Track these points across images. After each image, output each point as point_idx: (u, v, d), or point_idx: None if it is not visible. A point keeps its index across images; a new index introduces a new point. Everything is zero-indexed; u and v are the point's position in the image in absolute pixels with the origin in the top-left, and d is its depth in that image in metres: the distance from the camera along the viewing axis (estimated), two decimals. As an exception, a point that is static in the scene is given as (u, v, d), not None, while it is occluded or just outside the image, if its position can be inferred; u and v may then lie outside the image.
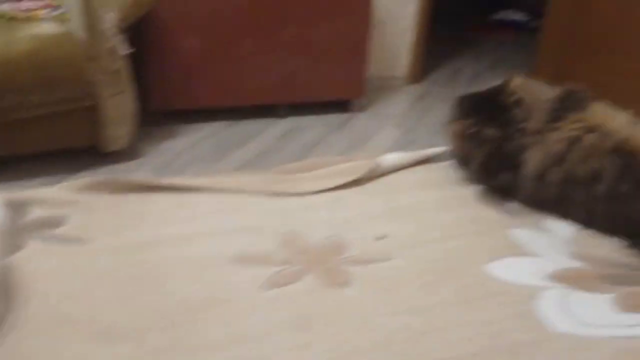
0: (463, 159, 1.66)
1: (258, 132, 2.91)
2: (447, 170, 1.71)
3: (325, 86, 3.07)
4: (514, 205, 1.58)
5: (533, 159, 1.55)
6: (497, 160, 1.63)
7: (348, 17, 2.96)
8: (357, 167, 1.60)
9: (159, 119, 2.83)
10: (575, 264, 1.32)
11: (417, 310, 1.15)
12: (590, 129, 1.56)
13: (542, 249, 1.37)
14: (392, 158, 1.69)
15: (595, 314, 1.16)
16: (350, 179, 1.56)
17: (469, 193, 1.57)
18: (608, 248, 1.42)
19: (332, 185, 1.54)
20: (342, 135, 2.98)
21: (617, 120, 1.57)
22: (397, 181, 1.61)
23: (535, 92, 1.75)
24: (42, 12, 1.98)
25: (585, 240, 1.45)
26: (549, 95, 1.75)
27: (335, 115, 3.18)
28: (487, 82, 3.91)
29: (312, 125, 3.05)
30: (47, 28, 1.86)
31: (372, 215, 1.45)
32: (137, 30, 2.45)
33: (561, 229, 1.50)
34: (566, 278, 1.26)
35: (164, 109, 2.83)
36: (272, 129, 2.96)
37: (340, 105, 3.22)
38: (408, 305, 1.16)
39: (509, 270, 1.28)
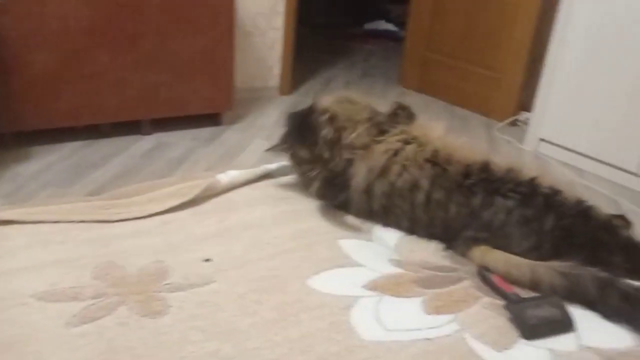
0: (301, 181, 1.69)
1: (120, 150, 2.80)
2: (286, 185, 1.71)
3: (190, 100, 3.01)
4: (349, 218, 1.62)
5: (359, 173, 1.60)
6: (332, 183, 1.66)
7: (210, 29, 2.92)
8: (192, 187, 1.56)
9: (8, 142, 2.66)
10: (394, 270, 1.36)
11: (231, 334, 1.14)
12: (409, 141, 1.63)
13: (366, 258, 1.40)
14: (232, 175, 1.67)
15: (402, 318, 1.20)
16: (183, 200, 1.52)
17: (305, 207, 1.59)
18: (427, 252, 1.48)
19: (162, 208, 1.50)
20: (211, 149, 2.93)
21: (434, 132, 1.65)
22: (233, 199, 1.59)
23: (351, 108, 1.80)
24: None
25: (407, 246, 1.50)
26: (368, 110, 1.81)
27: (205, 129, 3.13)
28: (359, 91, 4.04)
29: (179, 140, 2.98)
30: None
31: (201, 237, 1.42)
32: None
33: (387, 237, 1.54)
34: (382, 285, 1.30)
35: (14, 130, 2.66)
36: (136, 147, 2.86)
37: (211, 119, 3.17)
38: (222, 330, 1.14)
39: (330, 282, 1.30)
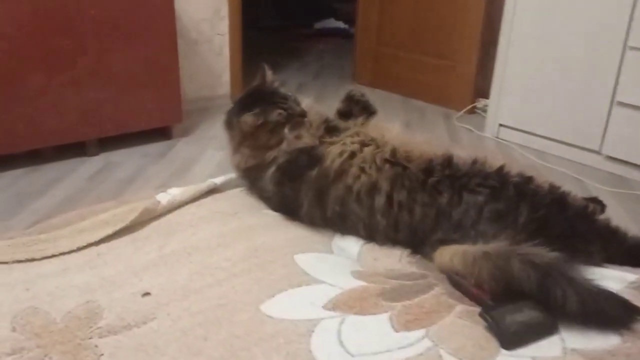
0: (256, 172, 1.50)
1: (65, 174, 2.59)
2: (236, 199, 1.54)
3: (137, 115, 2.81)
4: (301, 226, 1.45)
5: (313, 179, 1.44)
6: (291, 166, 1.50)
7: (151, 39, 2.73)
8: (128, 211, 1.38)
9: (-63, 176, 2.43)
10: (357, 283, 1.20)
11: (171, 382, 0.97)
12: (366, 143, 1.48)
13: (326, 273, 1.24)
14: (174, 193, 1.49)
15: (368, 340, 1.04)
16: (118, 227, 1.34)
17: (256, 221, 1.41)
18: (392, 259, 1.32)
19: (95, 239, 1.31)
20: (163, 165, 2.74)
21: (391, 132, 1.50)
22: (176, 220, 1.41)
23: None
24: None
25: (369, 255, 1.34)
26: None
27: (155, 145, 2.94)
28: (311, 92, 3.91)
29: (128, 158, 2.78)
30: None
31: (140, 268, 1.24)
32: None
33: (349, 247, 1.39)
34: (344, 303, 1.14)
35: (-56, 164, 2.43)
36: (82, 169, 2.65)
37: (161, 133, 2.98)
38: (161, 378, 0.97)
39: (286, 305, 1.13)
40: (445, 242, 1.31)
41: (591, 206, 1.35)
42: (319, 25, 5.25)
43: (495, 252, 1.13)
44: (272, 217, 1.44)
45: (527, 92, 2.91)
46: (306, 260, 1.28)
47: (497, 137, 3.08)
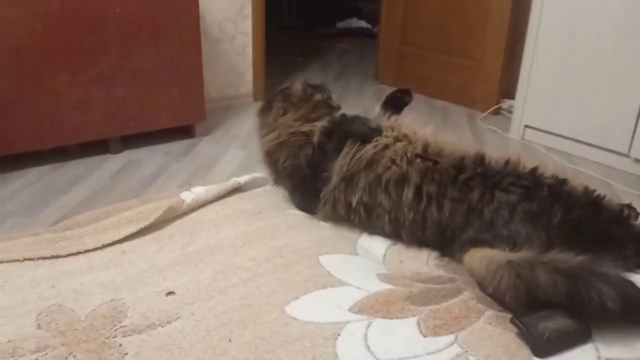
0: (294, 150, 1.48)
1: (89, 171, 2.61)
2: (260, 198, 1.52)
3: (160, 113, 2.82)
4: (326, 226, 1.42)
5: (341, 164, 1.42)
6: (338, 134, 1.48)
7: (175, 39, 2.73)
8: (152, 210, 1.37)
9: (-34, 171, 2.45)
10: (383, 286, 1.17)
11: (196, 384, 0.95)
12: (399, 139, 1.45)
13: (352, 275, 1.21)
14: (197, 192, 1.47)
15: (396, 344, 1.01)
16: (143, 225, 1.32)
17: (280, 221, 1.39)
18: (418, 262, 1.28)
19: (119, 237, 1.30)
20: (185, 164, 2.75)
21: (423, 130, 1.47)
22: (200, 219, 1.39)
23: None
24: None
25: (395, 257, 1.31)
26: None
27: (178, 143, 2.95)
28: (333, 92, 3.87)
29: (151, 156, 2.79)
30: None
31: (164, 267, 1.22)
32: None
33: (374, 248, 1.35)
34: (370, 306, 1.10)
35: (-29, 159, 2.46)
36: (106, 167, 2.67)
37: (183, 132, 2.98)
38: (185, 380, 0.95)
39: (312, 307, 1.10)
40: (476, 242, 1.27)
41: (626, 211, 1.30)
42: (341, 24, 5.22)
43: (519, 261, 1.09)
44: (296, 217, 1.42)
45: (554, 93, 2.85)
46: (331, 262, 1.25)
47: (522, 139, 3.03)
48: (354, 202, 1.37)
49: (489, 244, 1.26)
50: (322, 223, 1.42)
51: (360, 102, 3.63)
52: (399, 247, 1.34)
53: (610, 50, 2.62)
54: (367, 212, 1.36)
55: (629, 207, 1.34)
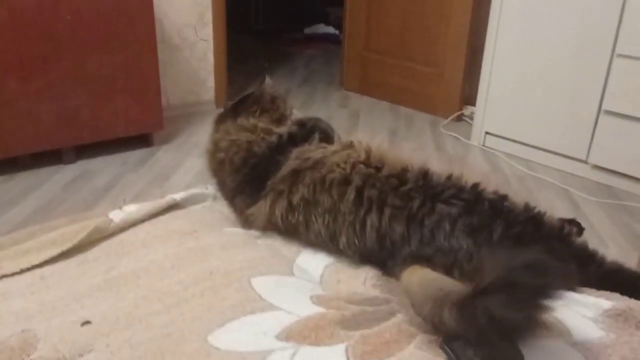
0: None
1: (39, 183, 2.50)
2: (197, 216, 1.44)
3: (116, 122, 2.72)
4: (263, 246, 1.34)
5: (295, 155, 1.36)
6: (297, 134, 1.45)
7: (130, 43, 2.63)
8: (78, 230, 1.28)
9: None
10: (315, 310, 1.10)
11: None
12: (346, 147, 1.39)
13: (284, 299, 1.13)
14: (129, 211, 1.38)
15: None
16: (65, 248, 1.24)
17: (214, 241, 1.31)
18: (356, 281, 1.21)
19: (39, 260, 1.21)
20: (141, 173, 2.65)
21: (369, 141, 1.42)
22: (128, 240, 1.30)
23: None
24: None
25: (333, 277, 1.23)
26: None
27: (135, 152, 2.85)
28: (298, 98, 3.81)
29: (106, 166, 2.69)
30: None
31: (84, 293, 1.13)
32: None
33: (311, 268, 1.28)
34: (298, 333, 1.03)
35: None
36: (57, 177, 2.56)
37: (141, 140, 2.89)
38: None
39: (237, 335, 1.03)
40: (417, 258, 1.20)
41: (567, 227, 1.25)
42: (309, 30, 5.15)
43: (454, 297, 1.00)
44: (232, 237, 1.34)
45: (514, 99, 2.82)
46: (264, 284, 1.17)
47: (483, 145, 2.99)
48: (296, 198, 1.30)
49: (431, 259, 1.19)
50: (259, 242, 1.34)
51: (325, 108, 3.57)
52: (338, 266, 1.26)
53: (567, 57, 2.59)
54: (307, 212, 1.29)
55: (573, 222, 1.29)
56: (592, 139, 2.60)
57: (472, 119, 3.11)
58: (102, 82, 2.61)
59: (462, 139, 3.10)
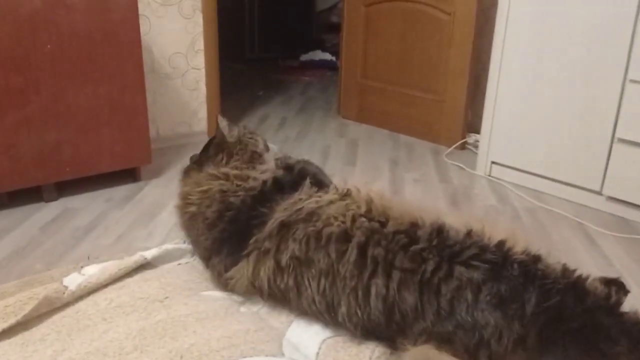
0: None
1: (17, 223, 2.25)
2: (170, 277, 1.18)
3: (99, 157, 2.48)
4: (246, 316, 1.09)
5: (283, 207, 1.11)
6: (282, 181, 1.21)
7: (116, 77, 2.41)
8: (25, 300, 1.03)
9: None
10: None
11: None
12: (343, 197, 1.14)
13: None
14: (89, 274, 1.13)
15: None
16: (8, 324, 0.99)
17: (189, 311, 1.06)
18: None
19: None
20: (127, 211, 2.40)
21: (368, 188, 1.17)
22: (86, 312, 1.06)
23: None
24: None
25: (332, 354, 0.98)
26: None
27: (121, 188, 2.60)
28: (295, 127, 3.59)
29: (89, 204, 2.45)
30: None
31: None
32: None
33: (304, 344, 1.02)
34: None
35: None
36: (37, 217, 2.31)
37: (128, 175, 2.65)
38: None
39: None
40: (433, 336, 0.95)
41: (614, 295, 1.00)
42: (305, 57, 4.95)
43: None
44: (210, 304, 1.08)
45: (521, 127, 2.58)
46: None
47: (489, 176, 2.75)
48: (286, 257, 1.04)
49: (450, 337, 0.94)
50: (243, 309, 1.09)
51: (323, 137, 3.34)
52: (336, 342, 1.01)
53: (577, 83, 2.37)
54: (298, 275, 1.04)
55: (617, 284, 1.04)
56: (606, 169, 2.36)
57: (476, 147, 2.88)
58: (85, 114, 2.38)
59: (466, 168, 2.86)
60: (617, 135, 2.31)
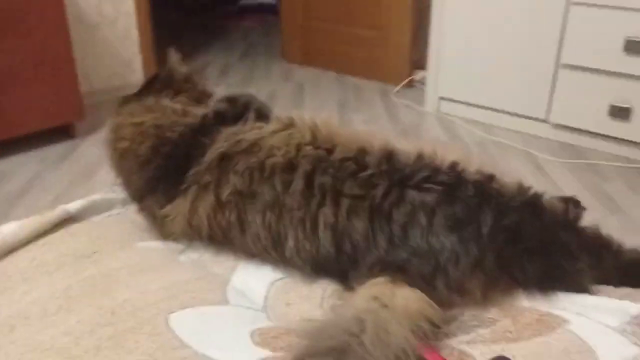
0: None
1: (-60, 191, 2.06)
2: (99, 230, 1.06)
3: (28, 115, 2.28)
4: (186, 264, 0.99)
5: (224, 137, 1.00)
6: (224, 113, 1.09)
7: (37, 29, 2.20)
8: None
9: None
10: (259, 356, 0.77)
11: None
12: (286, 127, 1.04)
13: (215, 341, 0.80)
14: (6, 232, 1.00)
15: None
16: None
17: (121, 264, 0.95)
18: (311, 302, 0.89)
19: None
20: (63, 171, 2.24)
21: (313, 117, 1.06)
22: (5, 273, 0.93)
23: None
24: None
25: (282, 297, 0.90)
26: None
27: (55, 147, 2.42)
28: (238, 73, 3.42)
29: (21, 166, 2.26)
30: None
31: None
32: None
33: (251, 288, 0.94)
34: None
35: None
36: (-37, 183, 2.12)
37: (61, 132, 2.46)
38: None
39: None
40: (387, 266, 0.88)
41: (572, 210, 0.95)
42: (244, 2, 4.71)
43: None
44: (145, 255, 0.97)
45: (467, 61, 2.51)
46: (187, 322, 0.83)
47: (438, 112, 2.69)
48: (227, 192, 0.94)
49: (405, 266, 0.87)
50: (182, 258, 0.99)
51: (267, 83, 3.20)
52: (285, 283, 0.93)
53: (521, 10, 2.30)
54: (241, 210, 0.94)
55: (573, 202, 0.98)
56: (551, 96, 2.34)
57: (424, 84, 2.80)
58: (7, 71, 2.17)
59: (415, 106, 2.79)
60: (562, 61, 2.27)
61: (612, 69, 2.13)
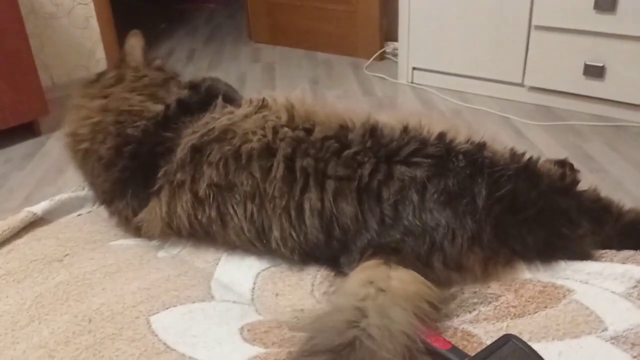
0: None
1: None
2: (68, 231, 0.98)
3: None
4: (166, 260, 0.92)
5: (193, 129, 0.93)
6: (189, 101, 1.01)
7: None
8: None
9: None
10: (250, 353, 0.71)
11: None
12: (259, 108, 0.96)
13: (201, 341, 0.74)
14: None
15: None
16: None
17: (96, 266, 0.87)
18: (301, 291, 0.83)
19: None
20: (30, 170, 2.13)
21: (287, 96, 0.99)
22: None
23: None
24: None
25: (269, 288, 0.84)
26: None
27: (20, 145, 2.31)
28: (205, 58, 3.30)
29: (-15, 167, 2.14)
30: None
31: None
32: None
33: (237, 281, 0.87)
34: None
35: None
36: None
37: (25, 130, 2.34)
38: None
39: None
40: (380, 248, 0.82)
41: (569, 174, 0.90)
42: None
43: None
44: (121, 254, 0.90)
45: (438, 29, 2.45)
46: (169, 323, 0.76)
47: (412, 83, 2.63)
48: (203, 187, 0.87)
49: (397, 247, 0.81)
50: (161, 254, 0.92)
51: (236, 65, 3.09)
52: (272, 273, 0.86)
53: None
54: (220, 203, 0.87)
55: (566, 164, 0.93)
56: (525, 59, 2.29)
57: (396, 55, 2.74)
58: (-41, 67, 2.03)
59: (388, 78, 2.73)
60: (534, 22, 2.22)
61: (584, 28, 2.09)
